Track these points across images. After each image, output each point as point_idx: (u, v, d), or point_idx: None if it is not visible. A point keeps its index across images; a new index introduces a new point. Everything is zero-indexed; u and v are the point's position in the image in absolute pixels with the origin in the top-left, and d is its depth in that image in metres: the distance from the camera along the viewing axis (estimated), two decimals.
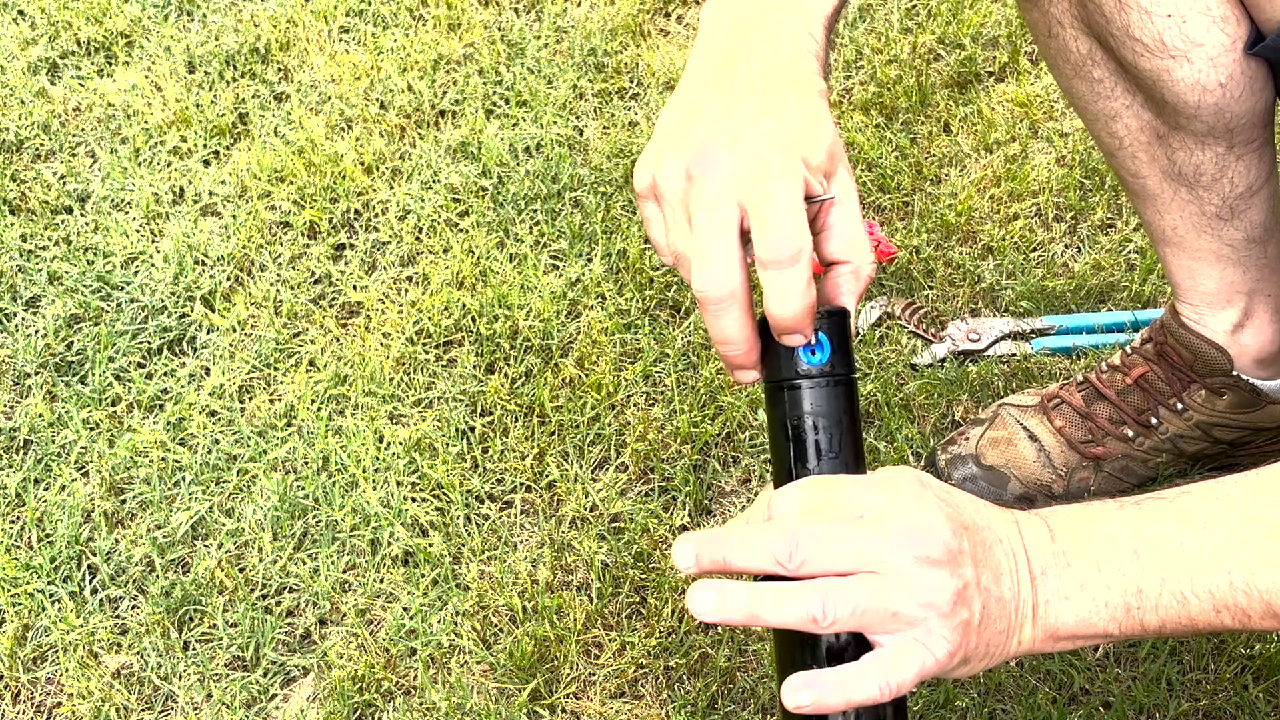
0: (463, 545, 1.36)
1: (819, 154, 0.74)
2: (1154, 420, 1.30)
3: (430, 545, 1.35)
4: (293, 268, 1.62)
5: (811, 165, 0.73)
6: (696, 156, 0.73)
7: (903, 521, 0.69)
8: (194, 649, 1.30)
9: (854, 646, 0.70)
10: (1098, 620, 0.72)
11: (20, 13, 1.96)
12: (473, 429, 1.45)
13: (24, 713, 1.28)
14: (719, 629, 1.26)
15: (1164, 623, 0.71)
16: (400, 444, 1.43)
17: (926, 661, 0.69)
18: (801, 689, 0.68)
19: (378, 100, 1.82)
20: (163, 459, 1.44)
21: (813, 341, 0.75)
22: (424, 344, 1.53)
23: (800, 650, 0.72)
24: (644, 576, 1.31)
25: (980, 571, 0.70)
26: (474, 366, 1.50)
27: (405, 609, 1.31)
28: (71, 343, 1.55)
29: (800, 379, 0.75)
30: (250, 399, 1.50)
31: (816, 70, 0.77)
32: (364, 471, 1.41)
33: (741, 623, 0.70)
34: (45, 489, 1.43)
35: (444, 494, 1.39)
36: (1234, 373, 1.25)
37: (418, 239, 1.65)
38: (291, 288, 1.60)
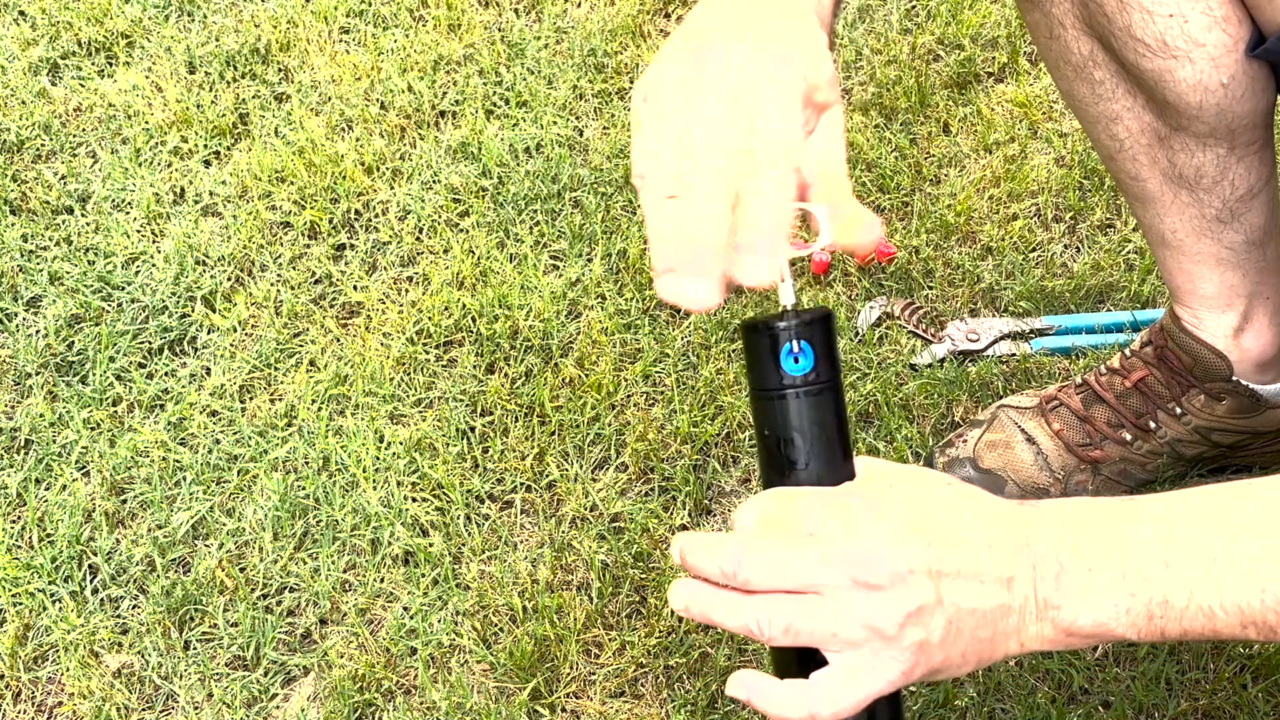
0: (463, 545, 1.36)
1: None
2: (1152, 424, 1.30)
3: (430, 545, 1.35)
4: (293, 268, 1.62)
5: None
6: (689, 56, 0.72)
7: (848, 544, 0.69)
8: (195, 648, 1.30)
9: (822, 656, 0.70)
10: (1116, 626, 0.71)
11: (21, 13, 1.96)
12: (473, 429, 1.45)
13: (25, 712, 1.28)
14: (719, 629, 1.26)
15: (1186, 632, 0.70)
16: (400, 444, 1.43)
17: (876, 683, 0.68)
18: (739, 687, 0.72)
19: (378, 101, 1.82)
20: (163, 459, 1.44)
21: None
22: (424, 344, 1.53)
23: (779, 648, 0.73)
24: (644, 576, 1.31)
25: (945, 587, 0.69)
26: (474, 366, 1.51)
27: (405, 608, 1.31)
28: (72, 343, 1.55)
29: (785, 389, 0.72)
30: (251, 399, 1.50)
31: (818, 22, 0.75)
32: (364, 471, 1.41)
33: (701, 621, 0.72)
34: (46, 489, 1.43)
35: (444, 494, 1.39)
36: (1233, 378, 1.25)
37: (418, 239, 1.65)
38: (292, 288, 1.60)
